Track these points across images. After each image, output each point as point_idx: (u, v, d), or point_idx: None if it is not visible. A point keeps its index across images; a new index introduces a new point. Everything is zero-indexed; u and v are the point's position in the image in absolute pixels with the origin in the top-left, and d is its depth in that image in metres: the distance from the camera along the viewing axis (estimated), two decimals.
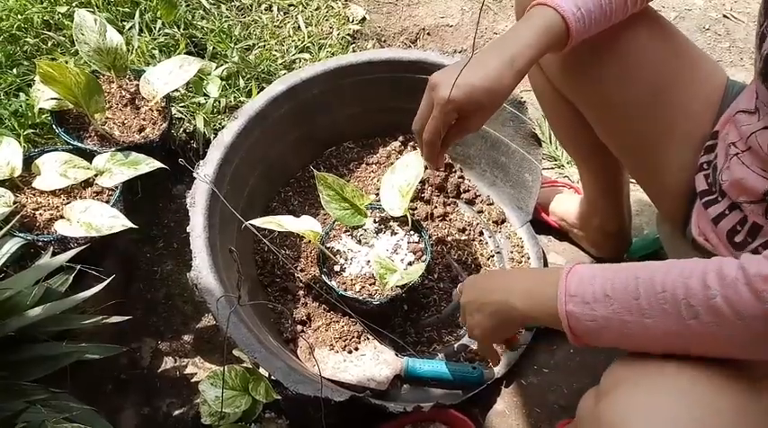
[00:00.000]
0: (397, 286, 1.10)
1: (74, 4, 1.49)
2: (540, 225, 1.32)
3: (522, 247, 1.28)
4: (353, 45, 1.64)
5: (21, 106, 1.31)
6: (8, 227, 1.00)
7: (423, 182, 1.31)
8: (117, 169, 1.12)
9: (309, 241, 1.14)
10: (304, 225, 1.09)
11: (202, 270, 0.99)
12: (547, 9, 0.79)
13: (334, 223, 1.20)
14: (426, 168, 1.32)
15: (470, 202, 1.34)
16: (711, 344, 0.60)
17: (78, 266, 1.00)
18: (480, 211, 1.34)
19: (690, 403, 0.60)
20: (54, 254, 1.02)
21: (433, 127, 0.83)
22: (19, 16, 1.44)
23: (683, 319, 0.59)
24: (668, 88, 0.86)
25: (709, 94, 0.88)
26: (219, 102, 1.43)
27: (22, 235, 1.06)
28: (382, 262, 1.05)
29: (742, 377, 0.62)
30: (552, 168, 1.46)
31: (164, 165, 1.13)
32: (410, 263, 1.14)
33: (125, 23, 1.50)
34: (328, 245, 1.17)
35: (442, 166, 0.89)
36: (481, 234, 1.30)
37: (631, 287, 0.63)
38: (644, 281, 0.62)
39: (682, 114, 0.87)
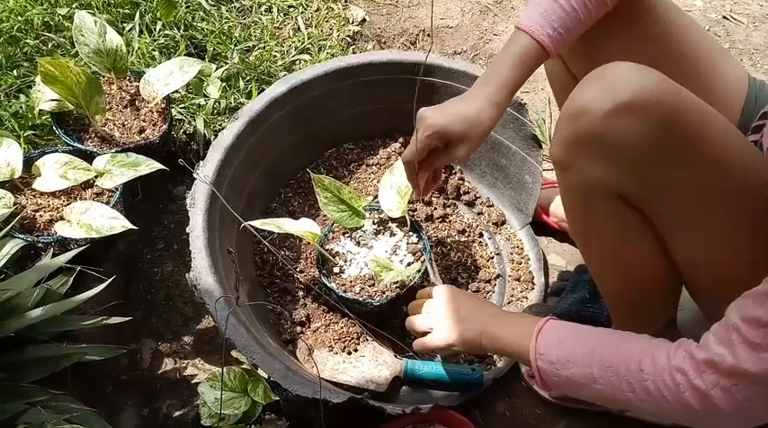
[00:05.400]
0: (396, 287, 1.10)
1: (74, 6, 1.49)
2: (541, 226, 1.32)
3: (522, 249, 1.28)
4: (353, 46, 1.64)
5: (21, 107, 1.32)
6: (8, 228, 1.00)
7: None
8: (117, 170, 1.12)
9: (309, 242, 1.15)
10: (302, 227, 1.09)
11: (202, 271, 0.99)
12: (522, 35, 0.86)
13: (332, 225, 1.20)
14: None
15: (470, 204, 1.34)
16: (647, 412, 0.77)
17: (78, 267, 1.01)
18: (480, 213, 1.34)
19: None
20: (54, 256, 1.02)
21: (410, 149, 0.91)
22: (19, 18, 1.44)
23: (623, 391, 0.72)
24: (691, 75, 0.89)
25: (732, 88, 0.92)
26: (219, 103, 1.43)
27: (22, 236, 1.06)
28: (379, 261, 1.05)
29: None
30: (552, 170, 1.46)
31: (164, 167, 1.13)
32: (409, 264, 1.14)
33: (125, 25, 1.50)
34: (327, 247, 1.17)
35: (426, 195, 0.96)
36: (481, 235, 1.30)
37: (587, 358, 0.75)
38: (597, 355, 0.75)
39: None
